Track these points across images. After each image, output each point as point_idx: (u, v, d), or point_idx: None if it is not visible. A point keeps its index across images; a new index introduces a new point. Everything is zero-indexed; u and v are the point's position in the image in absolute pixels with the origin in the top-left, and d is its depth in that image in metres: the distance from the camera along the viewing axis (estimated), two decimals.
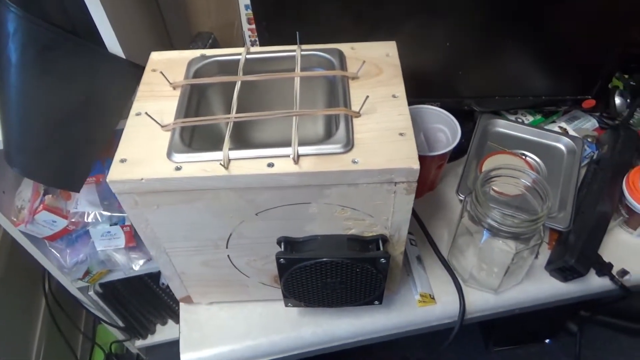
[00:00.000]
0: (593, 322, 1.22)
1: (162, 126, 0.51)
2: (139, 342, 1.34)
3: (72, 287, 1.05)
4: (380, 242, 0.55)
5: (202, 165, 0.47)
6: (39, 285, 1.14)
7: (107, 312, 1.19)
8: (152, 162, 0.48)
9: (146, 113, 0.50)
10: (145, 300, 1.25)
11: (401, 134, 0.49)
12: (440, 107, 0.77)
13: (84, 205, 0.86)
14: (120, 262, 0.97)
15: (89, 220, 0.88)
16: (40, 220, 0.86)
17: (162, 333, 1.35)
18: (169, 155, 0.48)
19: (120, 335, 1.27)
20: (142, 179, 0.47)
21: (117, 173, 0.47)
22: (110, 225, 0.91)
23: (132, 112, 0.53)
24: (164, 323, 1.35)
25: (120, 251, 0.97)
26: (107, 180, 0.47)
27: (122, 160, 0.48)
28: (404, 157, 0.47)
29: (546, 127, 0.84)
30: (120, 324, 1.24)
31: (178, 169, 0.47)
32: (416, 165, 0.46)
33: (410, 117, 0.51)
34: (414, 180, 0.48)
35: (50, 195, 0.87)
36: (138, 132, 0.51)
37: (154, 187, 0.47)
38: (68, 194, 0.89)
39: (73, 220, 0.88)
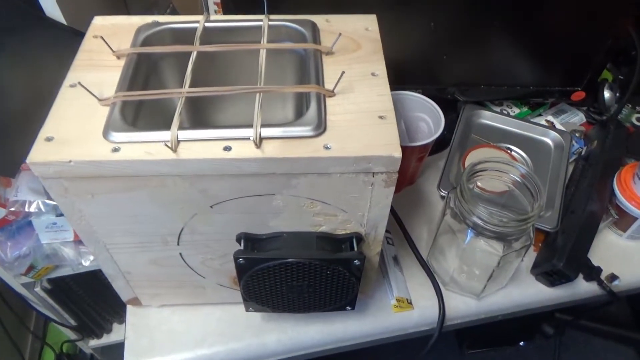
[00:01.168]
0: (569, 325, 1.19)
1: (99, 100, 0.43)
2: (93, 342, 1.24)
3: (16, 283, 0.95)
4: (354, 241, 0.49)
5: (145, 146, 0.40)
6: None
7: (57, 310, 1.09)
8: (84, 141, 0.40)
9: (79, 84, 0.42)
10: (100, 296, 1.16)
11: (381, 117, 0.42)
12: (422, 94, 0.71)
13: (25, 193, 0.77)
14: (68, 257, 0.88)
15: (32, 210, 0.79)
16: None
17: (119, 332, 1.26)
18: (105, 134, 0.40)
19: (72, 335, 1.17)
20: (70, 161, 0.39)
21: (40, 153, 0.39)
22: (57, 216, 0.81)
23: (66, 82, 0.45)
24: (121, 321, 1.26)
25: (69, 245, 0.88)
26: (27, 161, 0.39)
27: (48, 139, 0.40)
28: (384, 143, 0.40)
29: (532, 120, 0.78)
30: (72, 322, 1.15)
31: (115, 150, 0.39)
32: (398, 153, 0.40)
33: (391, 99, 0.44)
34: (395, 170, 0.41)
35: None
36: (71, 107, 0.43)
37: (86, 171, 0.40)
38: (7, 180, 0.79)
39: (12, 209, 0.78)
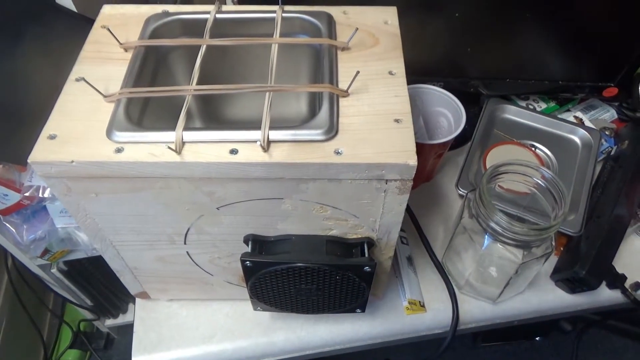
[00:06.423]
0: (587, 322, 1.16)
1: (104, 96, 0.41)
2: (110, 322, 1.27)
3: (32, 265, 0.96)
4: (365, 246, 0.47)
5: (149, 147, 0.38)
6: (1, 261, 1.06)
7: (73, 291, 1.11)
8: (88, 140, 0.39)
9: (84, 79, 0.41)
10: (115, 278, 1.16)
11: (397, 121, 0.40)
12: (443, 87, 0.68)
13: (39, 178, 0.77)
14: (82, 242, 0.88)
15: (46, 195, 0.79)
16: None
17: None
18: (109, 133, 0.39)
19: (88, 315, 1.19)
20: (72, 162, 0.37)
21: (42, 152, 0.38)
22: None
23: (72, 76, 0.44)
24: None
25: None
26: (29, 160, 0.38)
27: (51, 137, 0.39)
28: (399, 149, 0.38)
29: (560, 117, 0.75)
30: (88, 302, 1.16)
31: (119, 150, 0.38)
32: (413, 161, 0.37)
33: (409, 100, 0.42)
34: (410, 178, 0.39)
35: (1, 166, 0.77)
36: (75, 102, 0.41)
37: (89, 171, 0.38)
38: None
39: (27, 194, 0.78)
